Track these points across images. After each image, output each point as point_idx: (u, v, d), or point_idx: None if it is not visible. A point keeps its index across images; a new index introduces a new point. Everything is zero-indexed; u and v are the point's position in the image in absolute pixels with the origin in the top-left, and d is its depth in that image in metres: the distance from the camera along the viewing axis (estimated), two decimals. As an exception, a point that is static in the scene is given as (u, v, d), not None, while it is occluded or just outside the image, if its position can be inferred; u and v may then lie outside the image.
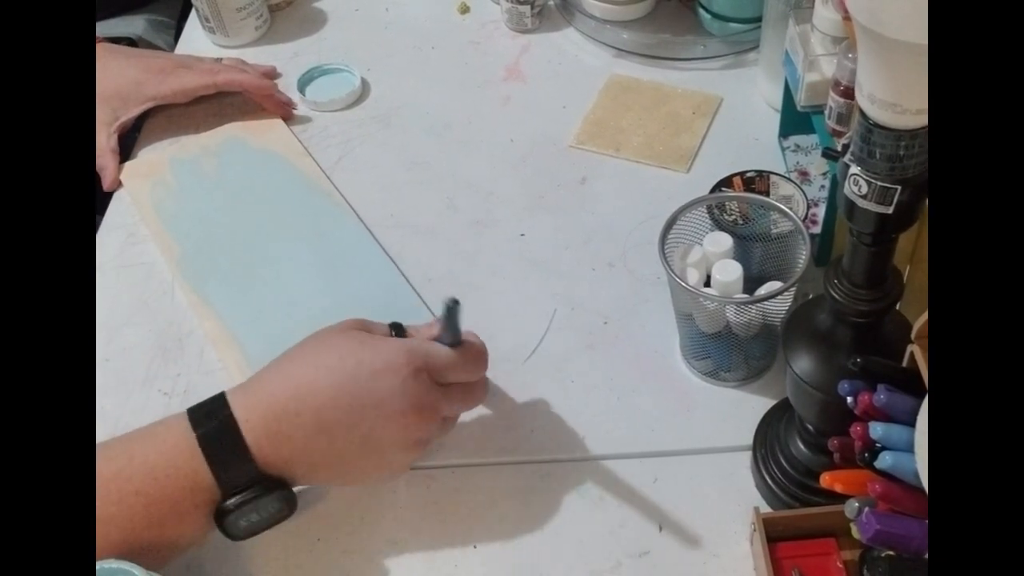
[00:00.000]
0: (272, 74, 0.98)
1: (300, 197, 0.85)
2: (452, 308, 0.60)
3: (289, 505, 0.58)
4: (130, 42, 1.07)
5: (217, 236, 0.82)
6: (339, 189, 0.86)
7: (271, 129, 0.92)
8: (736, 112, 0.90)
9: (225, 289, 0.78)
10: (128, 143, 0.92)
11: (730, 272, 0.65)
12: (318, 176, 0.87)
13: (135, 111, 0.89)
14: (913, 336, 0.49)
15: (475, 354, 0.63)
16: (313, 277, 0.79)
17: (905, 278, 0.54)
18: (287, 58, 1.01)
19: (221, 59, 0.95)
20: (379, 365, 0.58)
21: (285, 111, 0.93)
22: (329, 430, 0.57)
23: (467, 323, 0.74)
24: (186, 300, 0.78)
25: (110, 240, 0.84)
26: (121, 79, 0.88)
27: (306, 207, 0.84)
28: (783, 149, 0.85)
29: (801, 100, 0.75)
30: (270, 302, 0.77)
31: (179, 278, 0.79)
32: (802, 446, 0.62)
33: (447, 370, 0.60)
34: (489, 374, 0.71)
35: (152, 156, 0.90)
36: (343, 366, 0.58)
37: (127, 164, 0.89)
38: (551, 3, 1.03)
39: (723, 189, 0.74)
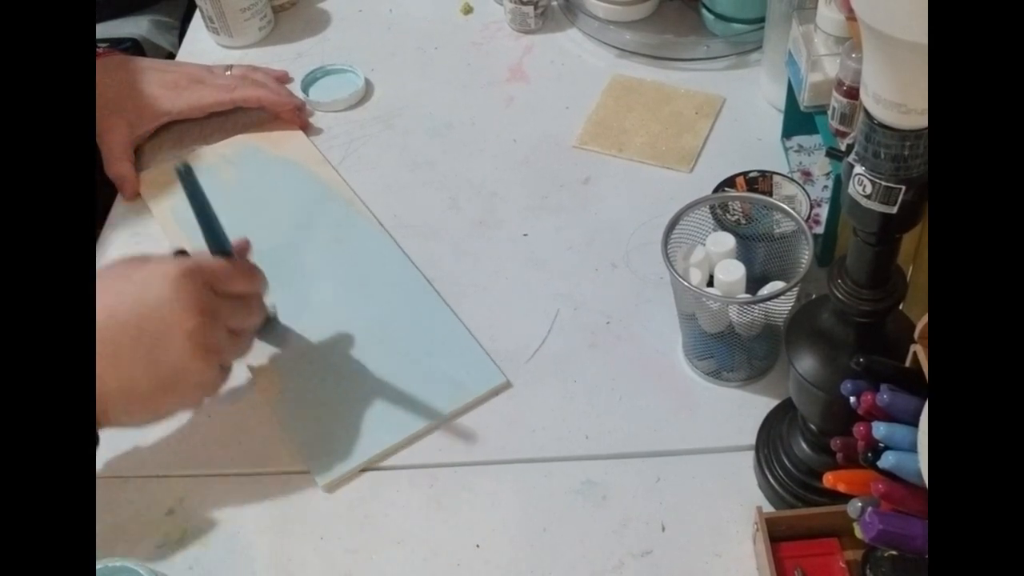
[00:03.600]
0: (285, 78, 0.97)
1: (320, 206, 0.84)
2: (183, 175, 0.60)
3: None
4: (134, 42, 1.08)
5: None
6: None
7: (289, 138, 0.91)
8: (739, 112, 0.90)
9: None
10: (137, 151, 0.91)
11: (733, 272, 0.65)
12: (339, 184, 0.86)
13: (150, 125, 0.89)
14: (916, 336, 0.49)
15: (246, 266, 0.64)
16: (336, 286, 0.78)
17: (908, 278, 0.54)
18: (291, 59, 1.01)
19: (232, 66, 0.94)
20: (147, 275, 0.57)
21: (303, 121, 0.92)
22: (111, 354, 0.55)
23: (470, 323, 0.75)
24: None
25: (113, 239, 0.84)
26: (136, 93, 0.88)
27: (327, 216, 0.83)
28: (786, 149, 0.85)
29: (804, 100, 0.75)
30: (294, 312, 0.76)
31: None
32: (805, 446, 0.62)
33: (220, 276, 0.61)
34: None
35: (170, 166, 0.89)
36: (111, 287, 0.56)
37: (144, 174, 0.88)
38: (554, 4, 1.03)
39: (726, 189, 0.74)
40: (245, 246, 0.67)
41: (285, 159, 0.89)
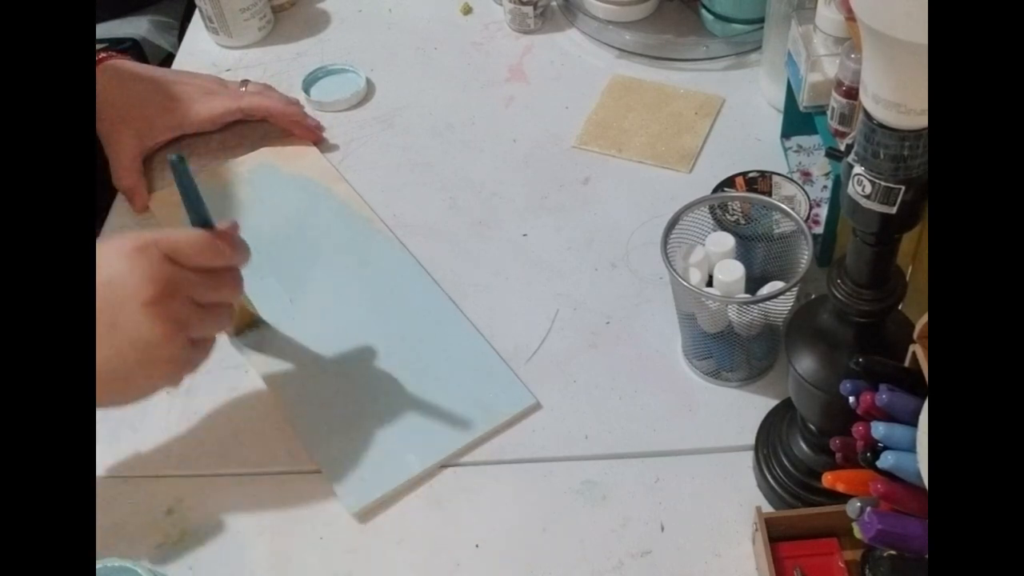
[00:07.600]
0: (296, 105, 0.93)
1: (339, 224, 0.82)
2: (175, 165, 0.59)
3: None
4: (133, 43, 1.08)
5: (256, 266, 0.79)
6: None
7: (303, 155, 0.89)
8: (738, 113, 0.90)
9: (268, 320, 0.76)
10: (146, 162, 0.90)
11: (732, 272, 0.65)
12: (357, 202, 0.84)
13: (161, 138, 0.87)
14: (915, 336, 0.49)
15: (219, 237, 0.61)
16: (359, 307, 0.76)
17: (907, 278, 0.54)
18: (290, 58, 1.01)
19: (247, 81, 0.91)
20: (103, 252, 0.57)
21: (315, 136, 0.90)
22: None
23: (471, 322, 0.75)
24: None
25: (113, 239, 0.84)
26: (147, 104, 0.86)
27: (346, 234, 0.82)
28: (785, 150, 0.85)
29: (803, 100, 0.75)
30: (315, 333, 0.74)
31: None
32: (804, 446, 0.62)
33: (183, 248, 0.59)
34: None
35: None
36: None
37: (157, 193, 0.86)
38: (554, 4, 1.03)
39: (725, 189, 0.74)
40: (232, 227, 0.64)
41: (302, 177, 0.87)
